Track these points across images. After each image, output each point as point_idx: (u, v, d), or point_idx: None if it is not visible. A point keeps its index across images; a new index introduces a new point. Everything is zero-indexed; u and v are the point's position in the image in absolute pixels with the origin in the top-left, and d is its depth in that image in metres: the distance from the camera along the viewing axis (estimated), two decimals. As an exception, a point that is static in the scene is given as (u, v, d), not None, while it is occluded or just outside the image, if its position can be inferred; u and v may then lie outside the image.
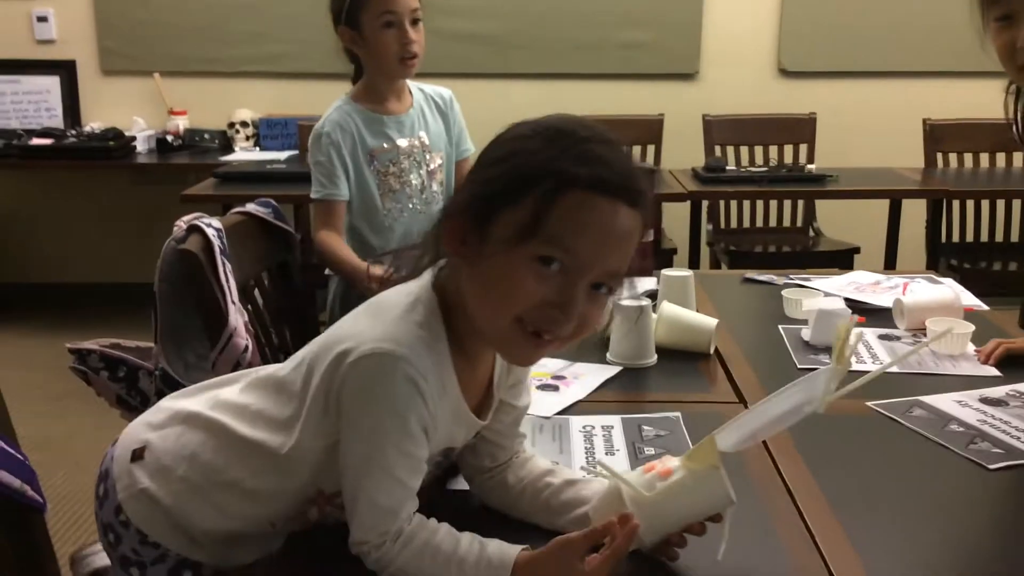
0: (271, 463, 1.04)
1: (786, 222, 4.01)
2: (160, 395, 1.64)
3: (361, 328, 0.99)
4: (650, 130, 4.03)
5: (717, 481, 0.99)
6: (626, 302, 1.64)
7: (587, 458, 1.27)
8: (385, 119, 2.21)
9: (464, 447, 1.14)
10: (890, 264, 3.64)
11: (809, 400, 0.98)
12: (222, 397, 1.13)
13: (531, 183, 0.92)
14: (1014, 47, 1.35)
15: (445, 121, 2.32)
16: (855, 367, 1.60)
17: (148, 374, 1.71)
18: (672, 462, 1.02)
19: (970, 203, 3.80)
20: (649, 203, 0.97)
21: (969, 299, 1.95)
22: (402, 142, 2.22)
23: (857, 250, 3.68)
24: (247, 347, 1.63)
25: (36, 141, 3.97)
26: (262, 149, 4.15)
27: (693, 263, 3.59)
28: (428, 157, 2.26)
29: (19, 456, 1.19)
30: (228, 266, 1.65)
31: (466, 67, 4.19)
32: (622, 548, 0.95)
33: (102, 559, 1.55)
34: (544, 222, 0.91)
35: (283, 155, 3.94)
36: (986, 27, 1.40)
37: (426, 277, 1.04)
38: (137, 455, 1.13)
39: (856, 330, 1.01)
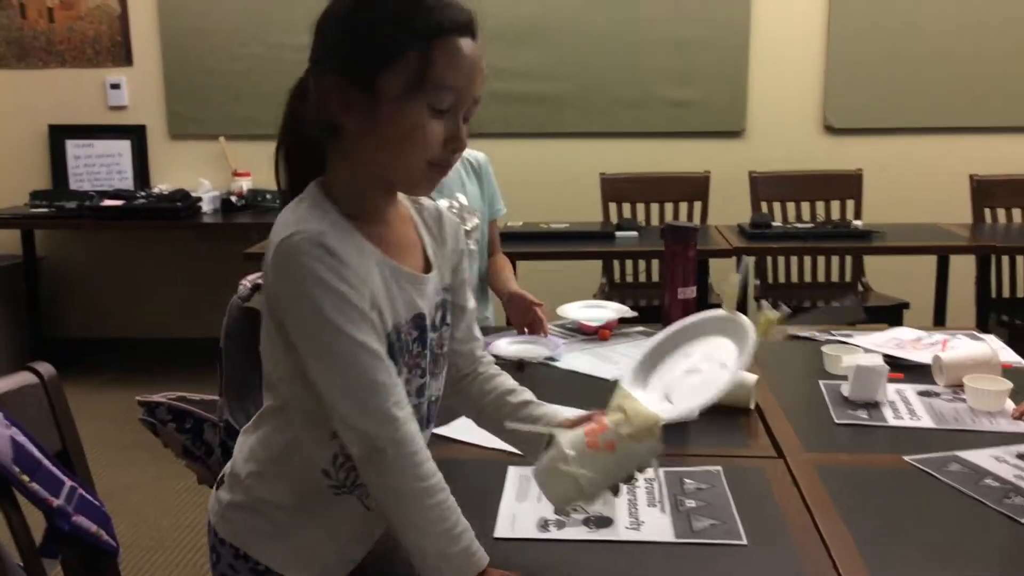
0: (291, 409, 1.14)
1: (834, 277, 4.03)
2: (223, 446, 1.73)
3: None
4: (696, 187, 4.10)
5: (655, 444, 1.10)
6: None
7: (629, 509, 1.32)
8: None
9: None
10: (939, 320, 3.65)
11: (729, 364, 1.11)
12: None
13: (404, 41, 1.05)
14: None
15: (480, 183, 2.42)
16: (892, 422, 1.65)
17: (213, 426, 1.80)
18: (611, 431, 1.10)
19: (1020, 259, 3.79)
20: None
21: (1009, 355, 1.97)
22: (441, 203, 2.31)
23: (906, 305, 3.69)
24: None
25: (107, 202, 4.17)
26: (320, 208, 4.29)
27: (740, 318, 3.63)
28: (465, 218, 2.35)
29: (96, 502, 1.28)
30: (263, 345, 1.74)
31: (516, 127, 4.33)
32: None
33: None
34: (428, 72, 1.05)
35: (340, 214, 4.06)
36: None
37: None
38: (219, 484, 1.25)
39: (774, 316, 1.13)
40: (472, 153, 2.44)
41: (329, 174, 1.14)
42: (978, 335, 2.12)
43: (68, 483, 1.23)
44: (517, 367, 1.96)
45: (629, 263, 4.06)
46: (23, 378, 1.27)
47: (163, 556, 2.75)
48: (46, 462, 1.21)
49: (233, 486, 1.22)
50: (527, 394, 1.25)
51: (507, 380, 1.27)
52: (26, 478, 1.17)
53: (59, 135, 4.56)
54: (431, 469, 1.07)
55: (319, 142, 1.13)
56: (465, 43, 1.07)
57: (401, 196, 1.21)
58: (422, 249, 1.21)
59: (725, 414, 1.69)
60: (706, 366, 1.12)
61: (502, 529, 1.26)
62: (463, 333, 1.28)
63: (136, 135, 4.56)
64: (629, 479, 1.14)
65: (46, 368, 1.30)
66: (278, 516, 1.18)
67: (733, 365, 1.10)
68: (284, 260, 1.05)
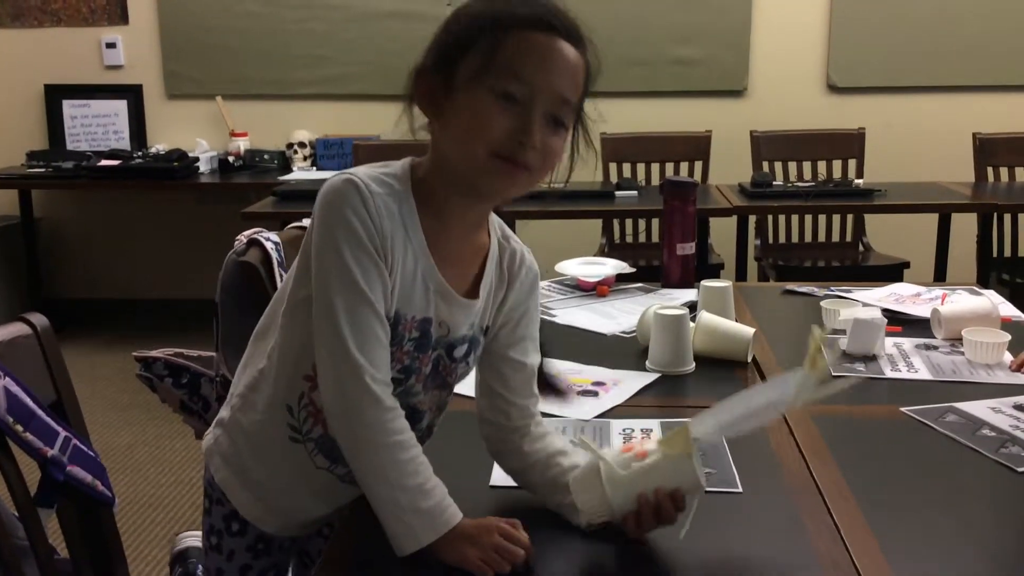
0: (281, 340, 1.17)
1: (835, 237, 4.02)
2: (220, 400, 1.73)
3: None
4: (698, 146, 4.07)
5: (688, 466, 1.06)
6: (665, 311, 1.69)
7: (624, 459, 1.32)
8: None
9: (481, 406, 1.22)
10: (940, 278, 3.63)
11: (780, 400, 1.07)
12: None
13: (481, 29, 1.06)
14: None
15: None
16: (889, 375, 1.64)
17: (209, 381, 1.80)
18: (650, 445, 1.08)
19: (1022, 217, 3.77)
20: (587, 44, 1.10)
21: (1008, 310, 1.96)
22: None
23: (907, 264, 3.68)
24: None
25: (104, 163, 4.14)
26: (319, 168, 4.28)
27: (740, 277, 3.62)
28: None
29: (90, 453, 1.28)
30: (285, 277, 1.73)
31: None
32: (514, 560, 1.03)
33: (192, 541, 1.70)
34: (495, 57, 1.04)
35: (338, 174, 4.05)
36: None
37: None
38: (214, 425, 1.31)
39: (821, 336, 1.09)
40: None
41: (424, 158, 1.14)
42: (978, 290, 2.11)
43: (63, 433, 1.23)
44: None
45: (629, 223, 4.04)
46: (16, 329, 1.26)
47: (163, 514, 2.77)
48: (40, 412, 1.20)
49: (217, 426, 1.28)
50: (579, 456, 1.19)
51: (558, 440, 1.22)
52: (20, 428, 1.17)
53: (55, 95, 4.52)
54: (404, 425, 1.07)
55: None
56: (545, 39, 1.06)
57: (493, 224, 1.19)
58: (476, 280, 1.17)
59: (722, 366, 1.69)
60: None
61: (497, 478, 1.26)
62: (520, 386, 1.22)
63: (133, 95, 4.52)
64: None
65: (39, 319, 1.29)
66: (241, 445, 1.23)
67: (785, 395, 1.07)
68: (326, 195, 1.07)
